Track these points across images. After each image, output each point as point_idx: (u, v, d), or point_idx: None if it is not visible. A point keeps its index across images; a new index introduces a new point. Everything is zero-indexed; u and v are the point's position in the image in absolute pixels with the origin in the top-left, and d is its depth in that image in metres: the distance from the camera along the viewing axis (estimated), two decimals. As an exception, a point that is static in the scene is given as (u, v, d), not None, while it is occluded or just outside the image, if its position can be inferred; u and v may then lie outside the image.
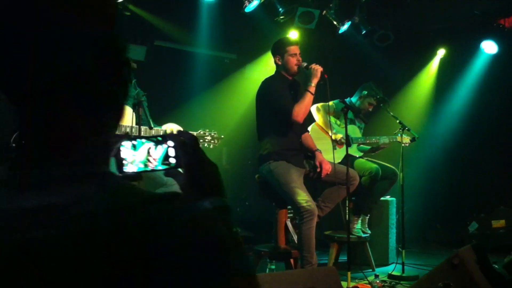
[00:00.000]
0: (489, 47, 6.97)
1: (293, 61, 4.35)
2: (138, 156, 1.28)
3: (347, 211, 4.20)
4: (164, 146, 1.28)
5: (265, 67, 6.28)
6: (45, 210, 0.85)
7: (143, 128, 3.55)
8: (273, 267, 4.78)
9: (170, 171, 1.27)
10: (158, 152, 1.28)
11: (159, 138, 1.29)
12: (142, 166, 1.27)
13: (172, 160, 1.28)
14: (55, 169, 0.88)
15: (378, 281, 3.92)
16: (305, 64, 4.33)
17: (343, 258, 5.87)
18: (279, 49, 4.43)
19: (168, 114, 6.17)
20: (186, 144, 1.23)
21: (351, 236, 5.24)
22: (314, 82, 4.21)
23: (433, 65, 7.53)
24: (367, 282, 4.27)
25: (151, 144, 1.27)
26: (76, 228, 0.83)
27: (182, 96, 6.55)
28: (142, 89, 4.73)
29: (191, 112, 6.60)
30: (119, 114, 1.05)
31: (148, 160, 1.27)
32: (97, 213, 0.85)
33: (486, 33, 6.97)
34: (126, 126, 3.74)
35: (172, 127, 3.89)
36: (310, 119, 5.36)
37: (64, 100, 0.90)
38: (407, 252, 6.26)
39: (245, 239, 6.51)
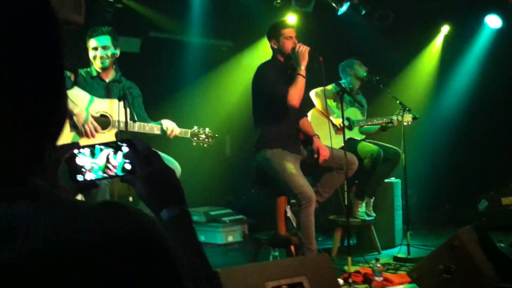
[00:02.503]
0: (493, 21, 6.81)
1: (289, 44, 4.27)
2: (96, 163, 1.25)
3: (345, 196, 4.12)
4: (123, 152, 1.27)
5: (263, 52, 6.18)
6: None
7: (122, 121, 3.52)
8: (276, 253, 4.74)
9: (128, 178, 1.25)
10: (117, 159, 1.25)
11: (119, 144, 1.25)
12: (101, 173, 1.25)
13: (130, 167, 1.25)
14: None
15: (379, 265, 3.86)
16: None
17: (350, 242, 5.84)
18: (274, 32, 4.36)
19: (167, 105, 6.15)
20: (142, 153, 1.20)
21: (355, 219, 5.24)
22: (303, 64, 4.12)
23: (437, 43, 7.37)
24: (368, 266, 4.22)
25: (110, 151, 1.25)
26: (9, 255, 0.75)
27: (181, 87, 6.51)
28: (138, 81, 4.70)
29: (191, 103, 6.56)
30: (59, 124, 0.94)
31: (107, 167, 1.24)
32: (29, 237, 0.72)
33: (490, 7, 6.81)
34: (115, 120, 3.71)
35: (167, 124, 3.86)
36: (311, 104, 5.30)
37: None
38: (415, 233, 6.21)
39: (251, 226, 6.51)
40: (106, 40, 3.81)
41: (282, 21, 4.61)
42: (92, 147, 1.25)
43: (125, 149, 1.26)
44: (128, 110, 3.76)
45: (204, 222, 6.29)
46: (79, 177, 1.24)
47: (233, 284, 2.68)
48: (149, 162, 1.19)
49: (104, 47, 3.81)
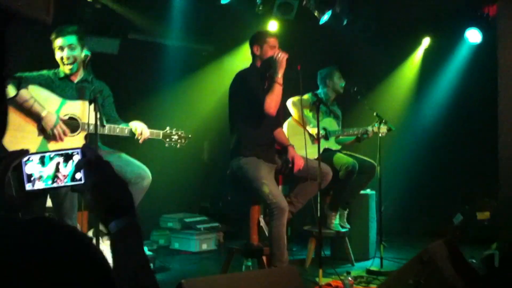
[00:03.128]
0: (473, 36, 6.84)
1: (271, 53, 4.23)
2: (46, 171, 1.22)
3: (318, 207, 4.08)
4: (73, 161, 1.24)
5: (244, 58, 6.16)
6: None
7: (92, 124, 3.43)
8: (249, 263, 4.69)
9: (78, 188, 1.22)
10: (67, 168, 1.23)
11: (69, 153, 1.23)
12: (50, 182, 1.22)
13: (80, 176, 1.22)
14: None
15: (350, 278, 3.82)
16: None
17: (324, 253, 5.80)
18: (259, 39, 4.32)
19: (145, 108, 6.08)
20: (90, 163, 1.17)
21: (329, 231, 5.21)
22: (280, 72, 4.08)
23: (418, 55, 7.40)
24: (339, 278, 4.18)
25: (60, 159, 1.22)
26: None
27: (159, 90, 6.45)
28: (115, 82, 4.62)
29: (169, 106, 6.50)
30: None
31: (57, 176, 1.22)
32: None
33: (470, 21, 6.84)
34: (84, 123, 3.63)
35: (136, 126, 3.76)
36: (287, 113, 5.27)
37: None
38: (390, 246, 6.21)
39: (227, 234, 6.45)
40: (73, 39, 3.71)
41: (268, 30, 4.55)
42: (42, 155, 1.23)
43: (76, 157, 1.23)
44: (98, 112, 3.69)
45: (178, 229, 6.22)
46: (28, 186, 1.22)
47: (197, 296, 2.62)
48: (97, 171, 1.17)
49: (70, 47, 3.72)
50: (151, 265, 4.84)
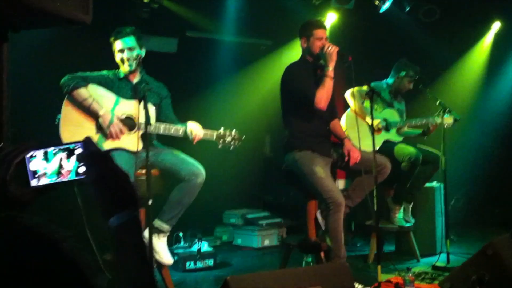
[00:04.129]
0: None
1: (319, 45, 4.13)
2: (50, 167, 1.23)
3: (375, 201, 3.94)
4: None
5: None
6: None
7: (143, 123, 3.46)
8: (309, 259, 4.62)
9: (82, 181, 1.22)
10: (71, 163, 1.23)
11: (70, 147, 1.24)
12: (55, 178, 1.23)
13: (84, 170, 1.22)
14: None
15: (410, 274, 3.67)
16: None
17: (389, 248, 5.64)
18: (305, 31, 4.22)
19: (204, 105, 6.13)
20: (93, 158, 1.16)
21: (393, 225, 5.05)
22: (331, 65, 3.98)
23: (487, 40, 7.03)
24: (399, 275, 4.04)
25: (63, 155, 1.23)
26: None
27: (218, 86, 6.46)
28: (175, 81, 4.67)
29: (229, 102, 6.51)
30: None
31: (61, 172, 1.23)
32: None
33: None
34: (141, 122, 3.67)
35: (191, 127, 3.77)
36: (346, 105, 5.15)
37: None
38: (460, 240, 5.95)
39: (289, 229, 6.39)
40: (131, 41, 3.78)
41: (315, 21, 4.33)
42: (45, 150, 1.23)
43: (78, 151, 1.23)
44: (153, 111, 3.72)
45: (240, 225, 6.22)
46: (33, 182, 1.23)
47: (244, 293, 2.59)
48: (99, 164, 1.15)
49: (130, 49, 3.77)
50: (212, 260, 4.91)
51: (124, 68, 3.81)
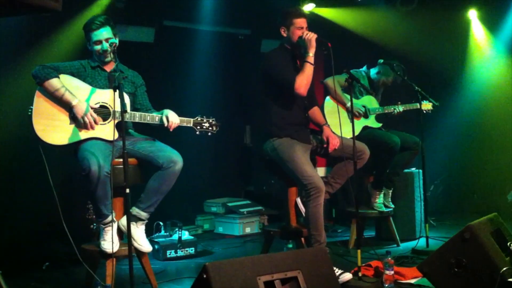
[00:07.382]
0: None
1: (299, 35, 4.11)
2: None
3: (354, 187, 3.96)
4: None
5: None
6: None
7: (118, 111, 3.42)
8: (290, 246, 4.65)
9: None
10: None
11: None
12: None
13: None
14: None
15: (389, 258, 3.70)
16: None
17: (369, 233, 5.69)
18: (285, 20, 4.18)
19: (181, 95, 6.10)
20: None
21: (373, 211, 5.09)
22: (311, 51, 3.97)
23: (464, 28, 7.09)
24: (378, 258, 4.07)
25: None
26: None
27: (198, 75, 6.44)
28: (152, 71, 4.63)
29: (209, 92, 6.48)
30: None
31: None
32: None
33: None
34: (114, 111, 3.64)
35: (167, 114, 3.73)
36: (326, 93, 5.16)
37: None
38: (440, 225, 6.03)
39: (271, 217, 6.41)
40: (107, 32, 3.73)
41: (295, 10, 4.26)
42: None
43: None
44: (128, 99, 3.69)
45: (222, 214, 6.25)
46: None
47: (224, 278, 2.58)
48: None
49: (107, 40, 3.73)
50: (193, 249, 4.90)
51: (102, 59, 3.76)
